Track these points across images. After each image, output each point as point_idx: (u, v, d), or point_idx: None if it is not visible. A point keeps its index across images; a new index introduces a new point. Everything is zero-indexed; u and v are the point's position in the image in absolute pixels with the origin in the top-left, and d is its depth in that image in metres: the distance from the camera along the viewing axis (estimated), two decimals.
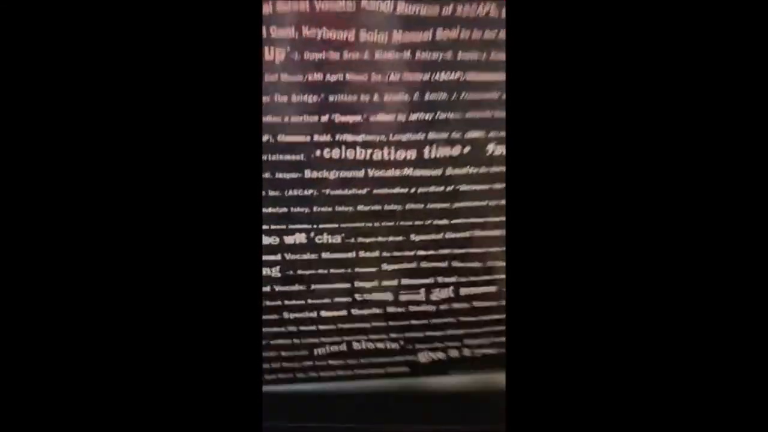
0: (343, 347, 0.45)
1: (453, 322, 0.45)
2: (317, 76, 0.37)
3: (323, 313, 0.44)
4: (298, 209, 0.40)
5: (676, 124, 0.21)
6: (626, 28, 0.21)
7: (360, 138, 0.39)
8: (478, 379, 0.46)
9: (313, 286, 0.43)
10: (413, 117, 0.39)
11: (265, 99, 0.37)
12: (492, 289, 0.44)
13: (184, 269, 0.22)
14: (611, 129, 0.21)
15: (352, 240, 0.42)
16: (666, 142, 0.21)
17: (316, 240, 0.41)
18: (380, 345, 0.45)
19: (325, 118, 0.38)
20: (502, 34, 0.37)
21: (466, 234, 0.42)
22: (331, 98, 0.38)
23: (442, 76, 0.38)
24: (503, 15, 0.36)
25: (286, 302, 0.43)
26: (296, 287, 0.43)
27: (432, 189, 0.41)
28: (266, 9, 0.35)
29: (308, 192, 0.40)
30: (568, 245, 0.21)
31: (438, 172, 0.41)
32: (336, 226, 0.41)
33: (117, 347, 0.22)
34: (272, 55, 0.37)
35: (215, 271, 0.22)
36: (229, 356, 0.22)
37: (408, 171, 0.40)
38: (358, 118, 0.39)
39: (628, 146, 0.21)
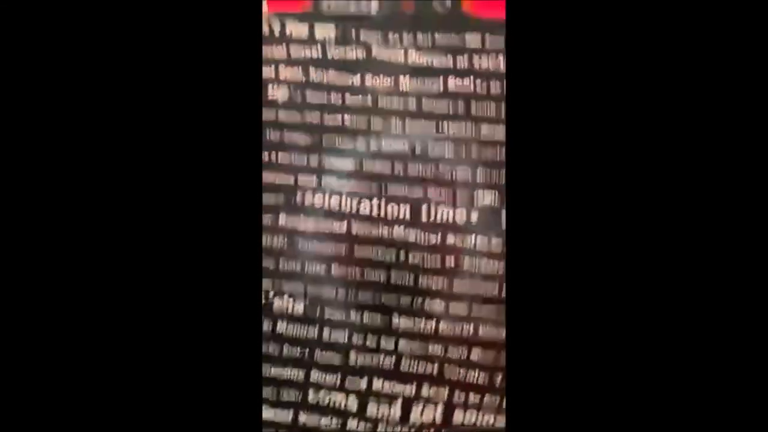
0: None
1: None
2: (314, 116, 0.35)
3: (265, 414, 0.32)
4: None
5: (678, 125, 0.21)
6: (626, 30, 0.21)
7: (346, 186, 0.33)
8: None
9: None
10: (412, 169, 0.33)
11: None
12: (501, 422, 0.30)
13: (180, 264, 0.22)
14: (612, 136, 0.21)
15: (317, 311, 0.33)
16: (668, 144, 0.21)
17: (274, 304, 0.33)
18: None
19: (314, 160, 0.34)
20: None
21: (469, 328, 0.31)
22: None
23: (451, 127, 0.33)
24: None
25: None
26: None
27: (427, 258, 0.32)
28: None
29: (277, 240, 0.33)
30: (567, 247, 0.21)
31: (436, 237, 0.32)
32: (300, 287, 0.33)
33: (115, 347, 0.21)
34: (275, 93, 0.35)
35: (213, 266, 0.22)
36: (227, 353, 0.22)
37: (399, 231, 0.33)
38: (348, 163, 0.34)
39: (629, 154, 0.21)
